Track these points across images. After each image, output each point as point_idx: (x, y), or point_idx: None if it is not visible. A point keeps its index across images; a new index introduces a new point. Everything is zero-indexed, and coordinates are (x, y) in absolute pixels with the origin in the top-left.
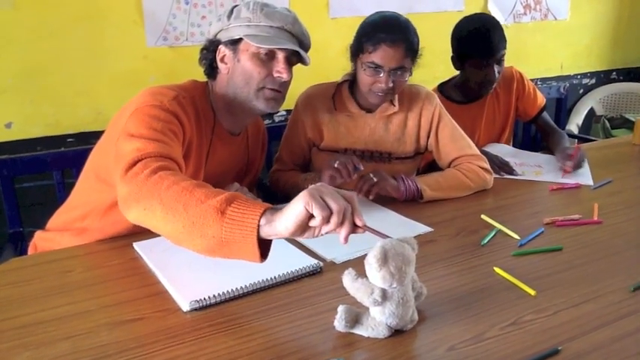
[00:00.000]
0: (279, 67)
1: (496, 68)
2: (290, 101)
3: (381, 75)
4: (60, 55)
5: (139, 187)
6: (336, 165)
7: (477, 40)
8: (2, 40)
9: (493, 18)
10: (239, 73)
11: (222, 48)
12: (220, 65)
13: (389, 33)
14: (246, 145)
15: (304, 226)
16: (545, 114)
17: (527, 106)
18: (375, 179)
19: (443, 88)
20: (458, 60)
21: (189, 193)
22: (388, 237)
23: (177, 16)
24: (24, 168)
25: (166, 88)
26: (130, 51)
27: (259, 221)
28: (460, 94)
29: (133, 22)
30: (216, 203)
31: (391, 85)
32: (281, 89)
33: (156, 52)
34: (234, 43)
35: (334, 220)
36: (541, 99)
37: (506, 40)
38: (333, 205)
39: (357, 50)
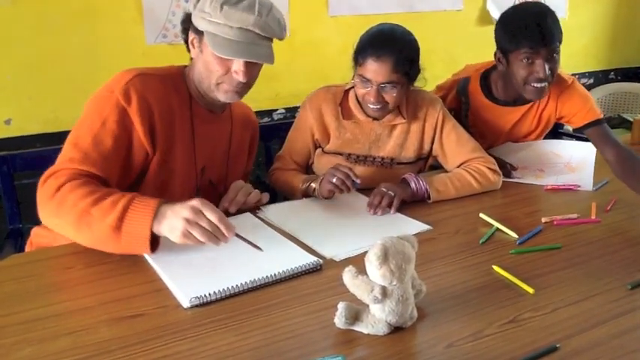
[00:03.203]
0: (237, 69)
1: (547, 65)
2: (290, 99)
3: (369, 88)
4: (59, 51)
5: (46, 212)
6: (334, 180)
7: (525, 25)
8: (1, 36)
9: (548, 6)
10: (202, 63)
11: (190, 32)
12: (191, 49)
13: (376, 48)
14: (230, 128)
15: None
16: (601, 127)
17: (575, 120)
18: (392, 194)
19: (486, 77)
20: (503, 56)
21: (88, 215)
22: (259, 248)
23: (177, 14)
24: (23, 164)
25: (132, 70)
26: (129, 48)
27: (150, 235)
28: (502, 91)
29: (132, 19)
30: (112, 222)
31: (380, 98)
32: (240, 86)
33: (155, 50)
34: (199, 32)
35: (209, 242)
36: (592, 114)
37: (561, 33)
38: (203, 239)
39: (353, 61)
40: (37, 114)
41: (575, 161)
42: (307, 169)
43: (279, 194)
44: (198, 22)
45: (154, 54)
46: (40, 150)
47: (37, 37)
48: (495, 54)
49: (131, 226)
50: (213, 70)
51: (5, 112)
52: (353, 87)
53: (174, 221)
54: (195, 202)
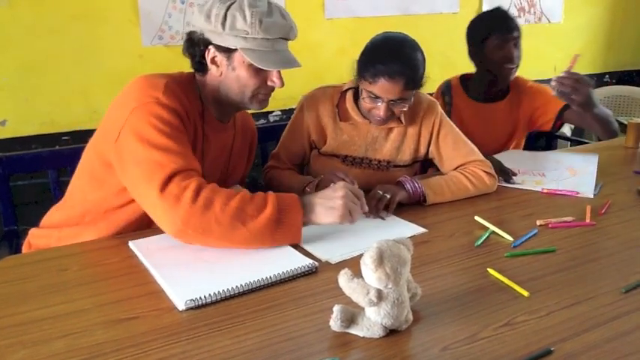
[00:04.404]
0: (274, 77)
1: (514, 51)
2: (286, 101)
3: (379, 104)
4: (55, 53)
5: (189, 215)
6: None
7: (495, 18)
8: None
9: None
10: (233, 79)
11: (212, 49)
12: (210, 65)
13: (388, 66)
14: (233, 136)
15: None
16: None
17: (547, 111)
18: (388, 196)
19: (465, 81)
20: (478, 49)
21: (242, 212)
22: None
23: (173, 16)
24: (19, 166)
25: (156, 77)
26: (126, 50)
27: (301, 224)
28: (479, 91)
29: (128, 21)
30: (271, 215)
31: (390, 113)
32: (272, 92)
33: (151, 51)
34: (228, 50)
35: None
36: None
37: (520, 31)
38: (360, 213)
39: (359, 73)
40: (33, 115)
41: (578, 165)
42: (302, 167)
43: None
44: (226, 40)
45: (151, 56)
46: (35, 151)
47: (33, 38)
48: (470, 53)
49: (288, 217)
50: (249, 84)
51: (1, 113)
52: (350, 88)
53: (329, 204)
54: (343, 183)
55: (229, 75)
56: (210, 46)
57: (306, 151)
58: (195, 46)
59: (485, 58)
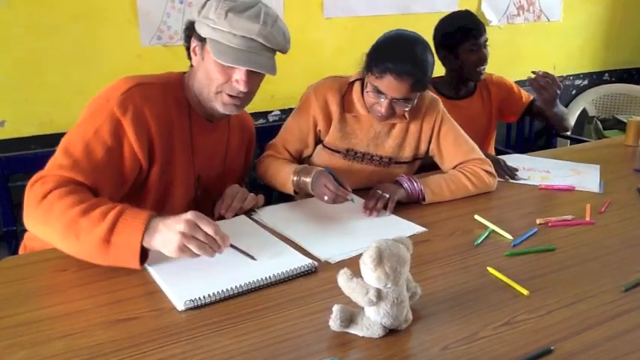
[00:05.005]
0: (238, 77)
1: (486, 53)
2: (285, 101)
3: (382, 100)
4: (54, 53)
5: (29, 217)
6: (325, 199)
7: (465, 24)
8: None
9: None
10: (202, 71)
11: (193, 39)
12: (192, 55)
13: (397, 64)
14: (227, 136)
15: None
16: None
17: (513, 102)
18: (387, 196)
19: (434, 84)
20: (450, 52)
21: (76, 225)
22: (253, 258)
23: (172, 16)
24: (18, 166)
25: (132, 79)
26: (125, 50)
27: (140, 250)
28: (452, 89)
29: (127, 21)
30: (101, 233)
31: (391, 111)
32: (240, 96)
33: (150, 51)
34: (202, 39)
35: (205, 255)
36: (527, 95)
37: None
38: (200, 252)
39: (367, 66)
40: (32, 116)
41: (581, 168)
42: (300, 163)
43: (273, 196)
44: (201, 28)
45: (149, 56)
46: (34, 152)
47: (32, 38)
48: (439, 55)
49: (121, 238)
50: (214, 78)
51: (0, 113)
52: (357, 80)
53: (168, 235)
54: (190, 216)
55: (201, 66)
56: (192, 36)
57: (308, 141)
58: (186, 35)
59: (459, 61)
